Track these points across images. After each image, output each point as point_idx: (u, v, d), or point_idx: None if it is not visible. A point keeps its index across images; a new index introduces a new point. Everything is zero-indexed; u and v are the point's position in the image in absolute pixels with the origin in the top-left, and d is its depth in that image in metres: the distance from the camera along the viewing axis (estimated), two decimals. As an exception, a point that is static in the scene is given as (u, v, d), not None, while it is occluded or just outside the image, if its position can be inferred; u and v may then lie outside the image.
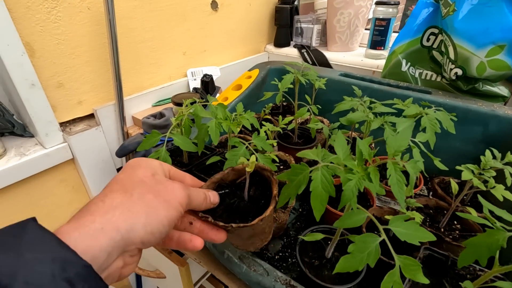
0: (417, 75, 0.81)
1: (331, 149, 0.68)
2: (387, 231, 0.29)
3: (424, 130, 0.45)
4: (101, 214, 0.24)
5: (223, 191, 0.38)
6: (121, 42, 0.75)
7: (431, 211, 0.54)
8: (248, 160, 0.37)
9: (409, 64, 0.80)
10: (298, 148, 0.70)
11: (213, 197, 0.35)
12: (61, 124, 0.72)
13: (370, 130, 0.47)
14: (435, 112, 0.47)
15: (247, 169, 0.35)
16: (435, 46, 0.76)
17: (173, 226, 0.28)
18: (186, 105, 0.54)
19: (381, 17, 1.01)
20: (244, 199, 0.38)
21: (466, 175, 0.40)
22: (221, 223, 0.32)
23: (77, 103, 0.73)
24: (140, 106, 0.86)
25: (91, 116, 0.78)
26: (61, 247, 0.21)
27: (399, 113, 0.50)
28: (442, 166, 0.42)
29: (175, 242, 0.32)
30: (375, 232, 0.30)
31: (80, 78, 0.72)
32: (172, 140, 0.52)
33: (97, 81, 0.75)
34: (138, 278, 1.02)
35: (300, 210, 0.65)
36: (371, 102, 0.51)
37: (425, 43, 0.78)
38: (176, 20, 0.88)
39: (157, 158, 0.49)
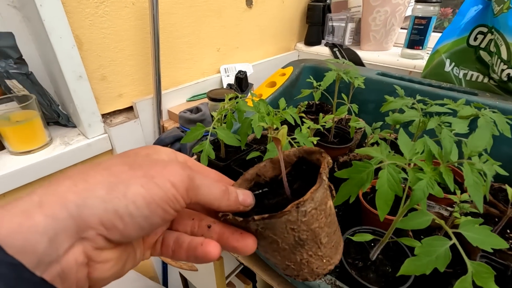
0: (461, 75, 0.77)
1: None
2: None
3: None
4: (46, 185, 0.18)
5: (260, 191, 0.28)
6: (161, 37, 0.77)
7: (479, 217, 0.52)
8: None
9: (453, 64, 0.77)
10: (335, 148, 0.68)
11: (244, 196, 0.25)
12: (103, 115, 0.75)
13: (422, 130, 0.45)
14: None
15: (276, 136, 0.25)
16: (482, 45, 0.73)
17: (161, 215, 0.20)
18: (229, 99, 0.54)
19: (420, 15, 0.97)
20: (286, 195, 0.26)
21: (530, 181, 0.37)
22: (240, 218, 0.23)
23: (117, 95, 0.76)
24: (175, 101, 0.87)
25: (130, 108, 0.80)
26: None
27: (449, 114, 0.48)
28: (502, 171, 0.40)
29: (185, 249, 0.23)
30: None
31: (122, 72, 0.74)
32: (207, 135, 0.52)
33: (137, 74, 0.77)
34: (164, 267, 1.05)
35: (336, 210, 0.64)
36: (421, 102, 0.50)
37: (471, 42, 0.74)
38: (212, 16, 0.89)
39: (201, 151, 0.50)
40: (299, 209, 0.22)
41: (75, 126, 0.76)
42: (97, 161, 0.21)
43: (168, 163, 0.21)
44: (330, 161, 0.26)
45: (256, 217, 0.22)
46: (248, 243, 0.23)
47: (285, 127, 0.26)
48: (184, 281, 1.06)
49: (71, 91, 0.65)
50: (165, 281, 1.06)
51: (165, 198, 0.19)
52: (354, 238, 0.40)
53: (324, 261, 0.25)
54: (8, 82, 0.62)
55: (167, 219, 0.21)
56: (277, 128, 0.27)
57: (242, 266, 0.72)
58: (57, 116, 0.73)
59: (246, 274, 0.79)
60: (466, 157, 0.26)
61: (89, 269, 0.19)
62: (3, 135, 0.62)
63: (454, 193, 0.48)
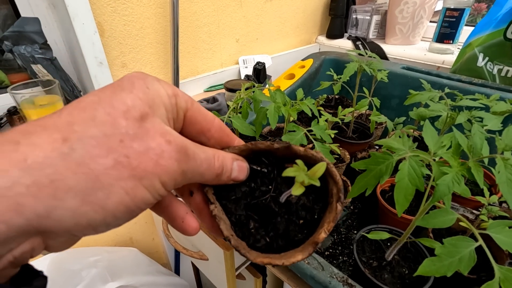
0: (495, 71, 0.72)
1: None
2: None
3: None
4: None
5: (259, 168, 0.24)
6: (181, 25, 0.77)
7: None
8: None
9: (487, 59, 0.72)
10: (354, 143, 0.66)
11: (239, 173, 0.22)
12: (122, 102, 0.76)
13: (449, 126, 0.42)
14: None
15: (296, 192, 0.20)
16: (522, 39, 0.67)
17: (138, 213, 0.17)
18: (245, 89, 0.53)
19: (452, 7, 0.91)
20: (278, 200, 0.23)
21: None
22: (222, 224, 0.21)
23: (137, 83, 0.76)
24: (192, 91, 0.87)
25: (148, 97, 0.81)
26: None
27: (480, 109, 0.44)
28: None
29: (162, 209, 0.21)
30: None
31: (142, 59, 0.74)
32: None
33: (156, 63, 0.78)
34: (177, 255, 1.06)
35: (352, 207, 0.62)
36: (449, 96, 0.46)
37: (509, 35, 0.69)
38: (233, 6, 0.88)
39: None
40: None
41: (95, 112, 0.78)
42: (71, 134, 0.15)
43: (164, 150, 0.16)
44: (340, 212, 0.22)
45: (232, 243, 0.21)
46: (220, 233, 0.21)
47: (323, 165, 0.21)
48: (196, 270, 1.07)
49: (92, 77, 0.66)
50: (177, 269, 1.07)
51: (151, 201, 0.17)
52: (370, 236, 0.38)
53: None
54: (33, 66, 0.65)
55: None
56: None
57: (253, 259, 0.72)
58: (79, 102, 0.74)
59: (256, 267, 0.79)
60: (499, 152, 0.24)
61: (45, 248, 0.16)
62: (28, 118, 0.64)
63: (482, 195, 0.45)
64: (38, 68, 0.65)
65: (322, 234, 0.21)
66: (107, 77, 0.68)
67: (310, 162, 0.23)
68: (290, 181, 0.24)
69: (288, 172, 0.21)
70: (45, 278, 0.16)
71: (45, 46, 0.64)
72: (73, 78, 0.73)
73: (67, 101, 0.71)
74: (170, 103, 0.19)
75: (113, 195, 0.15)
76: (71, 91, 0.72)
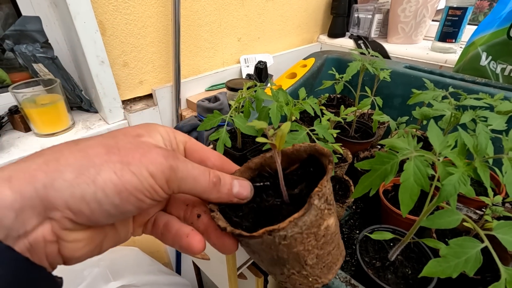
0: (498, 70, 0.71)
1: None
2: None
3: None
4: (19, 161, 0.17)
5: (261, 183, 0.26)
6: (183, 24, 0.76)
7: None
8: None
9: (490, 58, 0.71)
10: (356, 142, 0.66)
11: (241, 188, 0.23)
12: (123, 102, 0.76)
13: (454, 126, 0.42)
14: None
15: (272, 142, 0.21)
16: (526, 38, 0.67)
17: (135, 203, 0.19)
18: (247, 88, 0.53)
19: (455, 5, 0.91)
20: (284, 199, 0.24)
21: None
22: (220, 221, 0.22)
23: (138, 82, 0.76)
24: (194, 90, 0.87)
25: (149, 96, 0.81)
26: None
27: (485, 109, 0.44)
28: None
29: (172, 235, 0.23)
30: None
31: (144, 58, 0.74)
32: (224, 124, 0.51)
33: (158, 62, 0.77)
34: (178, 254, 1.06)
35: (354, 207, 0.62)
36: (453, 95, 0.46)
37: (513, 34, 0.68)
38: (235, 5, 0.88)
39: (217, 139, 0.49)
40: (274, 235, 0.20)
41: (97, 112, 0.78)
42: (78, 139, 0.19)
43: (152, 149, 0.20)
44: (331, 172, 0.23)
45: (228, 229, 0.21)
46: (227, 244, 0.23)
47: (287, 125, 0.21)
48: (197, 269, 1.07)
49: (93, 76, 0.66)
50: (178, 268, 1.07)
51: (140, 187, 0.18)
52: (373, 236, 0.38)
53: (310, 279, 0.23)
54: (35, 65, 0.64)
55: (143, 208, 0.20)
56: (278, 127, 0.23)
57: (254, 258, 0.72)
58: (80, 101, 0.74)
59: (258, 266, 0.79)
60: (506, 152, 0.24)
61: (59, 247, 0.18)
62: (29, 117, 0.64)
63: (484, 195, 0.44)
64: (39, 67, 0.65)
65: (316, 189, 0.21)
66: (108, 76, 0.68)
67: (304, 155, 0.26)
68: (294, 184, 0.25)
69: (260, 138, 0.21)
70: (61, 278, 0.19)
71: (46, 45, 0.64)
72: (74, 77, 0.73)
73: (68, 101, 0.71)
74: (167, 133, 0.23)
75: (103, 172, 0.18)
76: (72, 90, 0.72)
